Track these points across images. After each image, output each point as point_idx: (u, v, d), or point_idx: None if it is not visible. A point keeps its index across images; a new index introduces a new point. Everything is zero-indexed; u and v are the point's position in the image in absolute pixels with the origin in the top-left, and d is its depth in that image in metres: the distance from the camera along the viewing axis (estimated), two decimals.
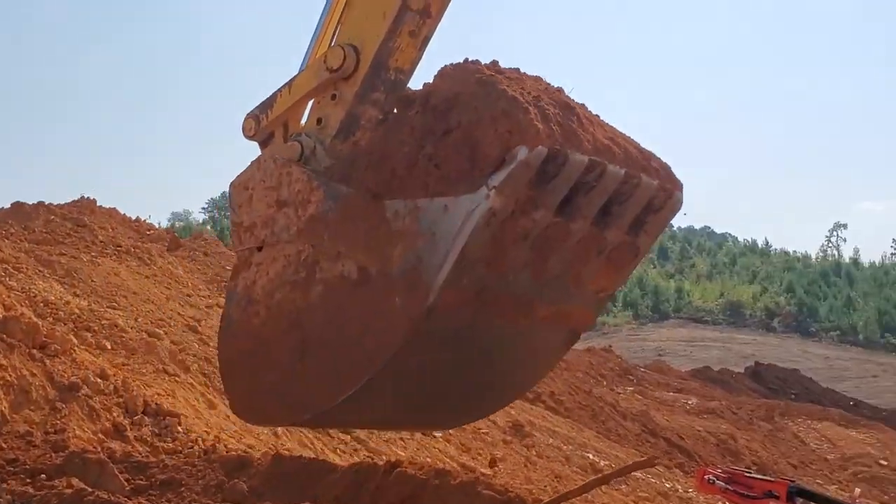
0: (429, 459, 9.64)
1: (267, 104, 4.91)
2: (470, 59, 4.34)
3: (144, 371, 9.32)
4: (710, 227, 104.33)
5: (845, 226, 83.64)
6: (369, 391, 4.12)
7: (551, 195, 3.96)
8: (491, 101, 3.97)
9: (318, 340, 4.26)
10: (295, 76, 4.92)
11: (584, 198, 4.08)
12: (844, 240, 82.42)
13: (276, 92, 4.91)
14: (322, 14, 5.02)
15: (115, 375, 8.48)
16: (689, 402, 24.01)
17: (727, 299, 61.54)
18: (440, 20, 4.78)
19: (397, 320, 3.97)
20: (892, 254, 75.66)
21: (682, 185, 4.46)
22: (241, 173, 4.77)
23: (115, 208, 18.67)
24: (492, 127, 3.89)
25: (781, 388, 31.17)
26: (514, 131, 3.85)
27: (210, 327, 11.54)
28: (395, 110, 4.53)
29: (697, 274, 71.39)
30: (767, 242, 78.84)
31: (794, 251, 77.06)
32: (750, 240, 79.21)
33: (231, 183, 4.79)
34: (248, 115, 4.95)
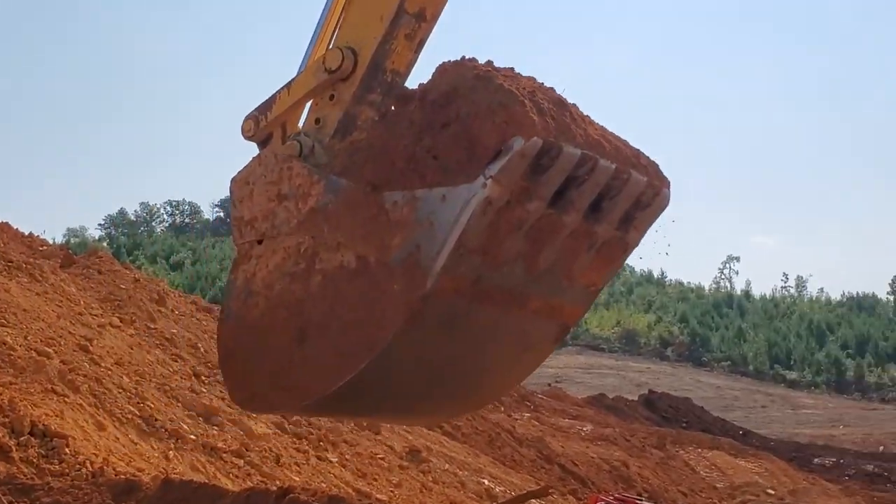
0: (324, 485, 9.55)
1: (266, 105, 5.00)
2: (466, 57, 4.49)
3: (32, 391, 9.03)
4: None
5: (738, 259, 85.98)
6: (368, 377, 4.17)
7: (545, 186, 4.11)
8: (488, 94, 4.11)
9: (318, 328, 4.31)
10: (294, 78, 5.00)
11: (577, 191, 4.23)
12: (737, 272, 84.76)
13: (275, 93, 4.99)
14: (321, 17, 5.18)
15: (1, 395, 8.21)
16: (584, 429, 24.32)
17: (623, 328, 62.62)
18: (435, 24, 4.92)
19: (395, 306, 4.04)
20: (782, 287, 78.09)
21: (669, 182, 4.58)
22: (242, 169, 4.84)
23: (6, 222, 18.11)
24: (489, 119, 4.06)
25: (674, 416, 31.80)
26: (510, 122, 4.02)
27: (102, 347, 11.26)
28: (393, 107, 4.63)
29: (595, 302, 72.37)
30: (663, 273, 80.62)
31: (689, 282, 78.92)
32: (646, 270, 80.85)
33: (232, 179, 4.85)
34: (247, 116, 5.02)
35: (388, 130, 4.42)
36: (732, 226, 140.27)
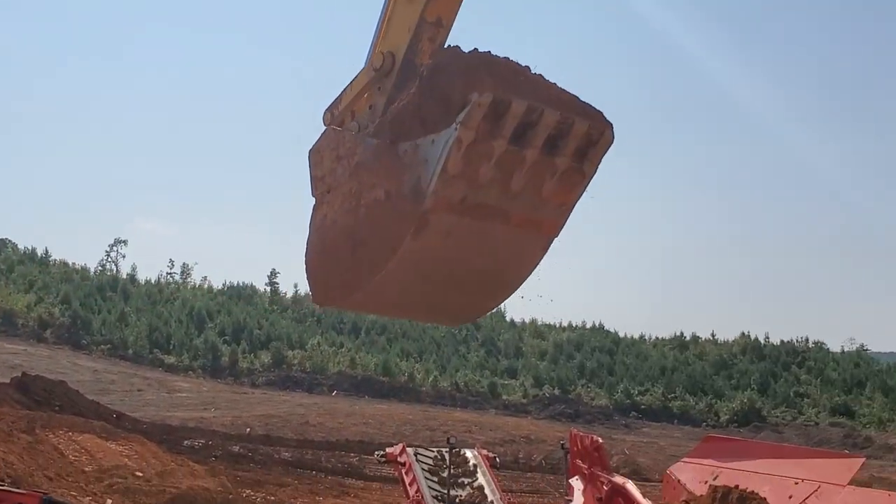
0: None
1: (337, 99, 6.78)
2: (451, 45, 6.16)
3: None
4: None
5: (126, 242, 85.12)
6: (394, 273, 5.79)
7: (503, 128, 5.57)
8: (458, 69, 5.74)
9: (363, 243, 5.94)
10: (354, 77, 6.76)
11: (531, 132, 5.67)
12: (124, 256, 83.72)
13: (343, 90, 6.71)
14: (375, 30, 6.72)
15: None
16: None
17: (0, 308, 58.97)
18: (451, 27, 6.58)
19: (408, 220, 5.66)
20: (168, 273, 79.02)
21: (612, 125, 6.01)
22: (316, 142, 6.51)
23: None
24: (459, 82, 5.65)
25: (47, 399, 30.72)
26: (470, 84, 5.59)
27: None
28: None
29: None
30: (48, 252, 77.16)
31: (74, 263, 76.43)
32: (30, 248, 76.82)
33: (309, 150, 6.51)
34: (326, 109, 6.79)
35: (401, 103, 6.02)
36: (120, 208, 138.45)
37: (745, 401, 54.65)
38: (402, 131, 5.92)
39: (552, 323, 72.81)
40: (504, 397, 54.25)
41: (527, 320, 72.79)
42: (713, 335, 69.06)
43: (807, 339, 67.55)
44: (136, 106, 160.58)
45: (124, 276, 75.45)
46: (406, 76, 6.40)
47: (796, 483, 7.27)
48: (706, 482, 7.48)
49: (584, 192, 6.26)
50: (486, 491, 13.20)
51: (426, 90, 5.88)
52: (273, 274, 74.87)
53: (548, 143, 5.84)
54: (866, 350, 68.94)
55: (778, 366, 62.69)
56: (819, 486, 7.15)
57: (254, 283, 75.99)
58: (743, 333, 68.59)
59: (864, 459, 8.49)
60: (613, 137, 6.10)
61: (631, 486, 6.63)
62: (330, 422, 39.37)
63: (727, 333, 69.37)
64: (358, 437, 35.84)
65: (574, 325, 72.27)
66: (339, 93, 6.79)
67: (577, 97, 6.09)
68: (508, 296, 6.49)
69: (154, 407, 39.82)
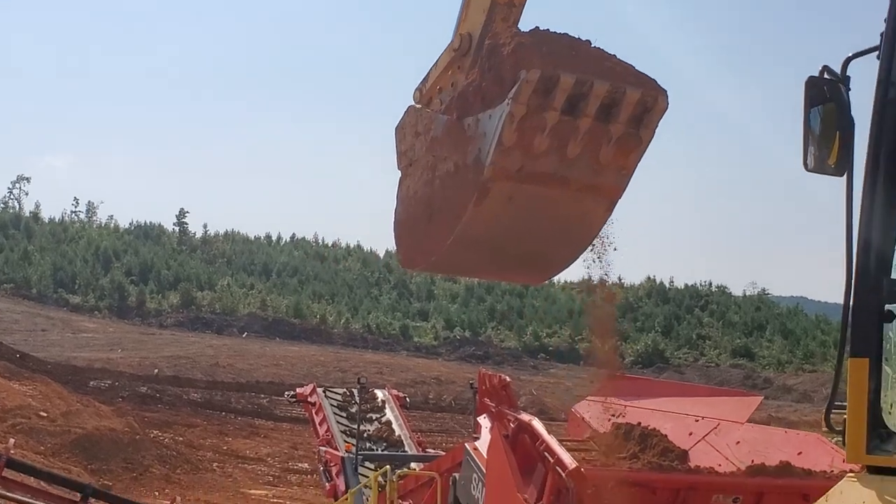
0: None
1: (425, 78, 7.11)
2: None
3: None
4: None
5: (28, 179, 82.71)
6: (463, 238, 6.21)
7: (554, 101, 5.86)
8: (510, 47, 6.03)
9: (437, 211, 6.41)
10: (439, 56, 7.10)
11: (584, 102, 5.93)
12: (27, 193, 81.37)
13: (429, 69, 7.11)
14: (458, 12, 7.10)
15: None
16: None
17: None
18: (523, 6, 6.85)
19: (471, 190, 6.06)
20: (72, 211, 77.15)
21: (665, 92, 6.22)
22: (400, 120, 6.96)
23: None
24: (510, 60, 5.99)
25: None
26: (519, 62, 5.90)
27: None
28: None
29: None
30: None
31: None
32: None
33: (395, 127, 6.98)
34: (415, 89, 7.13)
35: (467, 81, 6.50)
36: (22, 144, 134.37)
37: (650, 343, 55.98)
38: (466, 107, 6.37)
39: None
40: (415, 339, 54.65)
41: None
42: (620, 279, 70.16)
43: (710, 284, 69.36)
44: (37, 38, 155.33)
45: (27, 214, 73.47)
46: (481, 56, 6.89)
47: (696, 420, 7.50)
48: (609, 419, 7.67)
49: (643, 157, 6.52)
50: (394, 426, 13.34)
51: (485, 69, 6.32)
52: (181, 213, 73.63)
53: (601, 112, 6.07)
54: (767, 294, 71.12)
55: (682, 309, 64.26)
56: (718, 424, 7.39)
57: (161, 223, 74.71)
58: (648, 277, 70.08)
59: (761, 398, 8.80)
60: (668, 104, 6.33)
61: (536, 423, 6.76)
62: (240, 363, 39.21)
63: (633, 278, 70.79)
64: (268, 378, 35.80)
65: None
66: (426, 72, 7.31)
67: (633, 67, 6.34)
68: (577, 255, 6.75)
69: (59, 347, 39.11)
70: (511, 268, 7.17)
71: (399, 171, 7.05)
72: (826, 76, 4.10)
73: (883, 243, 3.81)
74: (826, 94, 4.06)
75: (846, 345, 3.88)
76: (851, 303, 3.86)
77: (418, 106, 7.14)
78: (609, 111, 6.11)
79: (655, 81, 6.40)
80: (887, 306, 3.82)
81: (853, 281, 3.83)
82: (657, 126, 6.39)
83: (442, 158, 6.49)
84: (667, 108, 6.40)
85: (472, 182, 6.12)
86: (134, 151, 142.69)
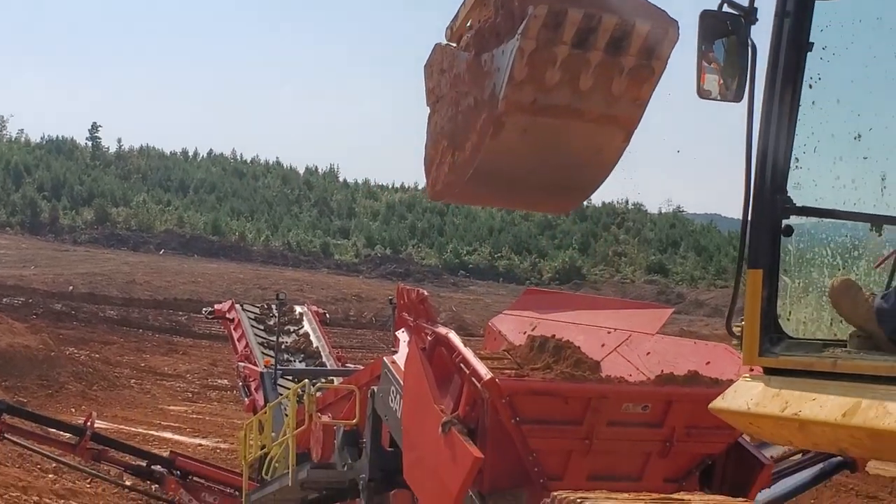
0: None
1: (455, 16, 7.01)
2: None
3: None
4: None
5: None
6: (483, 168, 6.35)
7: (563, 35, 5.98)
8: None
9: (460, 144, 6.51)
10: None
11: (593, 36, 6.02)
12: None
13: (459, 7, 6.97)
14: None
15: None
16: None
17: None
18: None
19: (489, 122, 6.18)
20: None
21: (676, 22, 6.20)
22: (428, 58, 7.07)
23: None
24: (519, 0, 6.04)
25: None
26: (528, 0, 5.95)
27: None
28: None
29: None
30: None
31: None
32: None
33: (424, 65, 7.08)
34: (446, 27, 7.02)
35: (484, 18, 6.53)
36: None
37: (567, 260, 56.82)
38: (483, 44, 6.50)
39: (385, 184, 73.18)
40: (336, 257, 54.61)
41: (360, 181, 72.89)
42: None
43: (626, 201, 70.34)
44: None
45: None
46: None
47: (609, 332, 7.66)
48: (525, 333, 7.79)
49: (657, 87, 6.54)
50: (312, 338, 13.37)
51: (498, 5, 6.41)
52: (94, 128, 71.95)
53: (612, 45, 6.13)
54: (682, 212, 72.46)
55: (599, 226, 65.19)
56: (630, 336, 7.56)
57: (74, 138, 72.81)
58: None
59: (672, 310, 9.01)
60: (678, 34, 6.34)
61: (453, 336, 6.84)
62: (157, 280, 38.80)
63: None
64: (186, 295, 35.52)
65: (406, 186, 72.88)
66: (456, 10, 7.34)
67: (645, 1, 6.33)
68: (597, 184, 6.88)
69: None
70: (533, 198, 7.33)
71: (428, 108, 7.12)
72: (727, 10, 4.33)
73: (778, 164, 4.12)
74: (728, 27, 4.34)
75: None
76: (749, 218, 4.14)
77: (443, 43, 7.13)
78: (619, 44, 6.16)
79: (666, 13, 6.41)
80: (785, 222, 4.11)
81: (751, 198, 4.13)
82: (669, 57, 6.46)
83: (463, 94, 6.65)
84: (677, 38, 6.40)
85: (487, 116, 6.28)
86: (44, 64, 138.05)
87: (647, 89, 6.50)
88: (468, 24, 7.08)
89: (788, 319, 4.18)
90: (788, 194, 4.16)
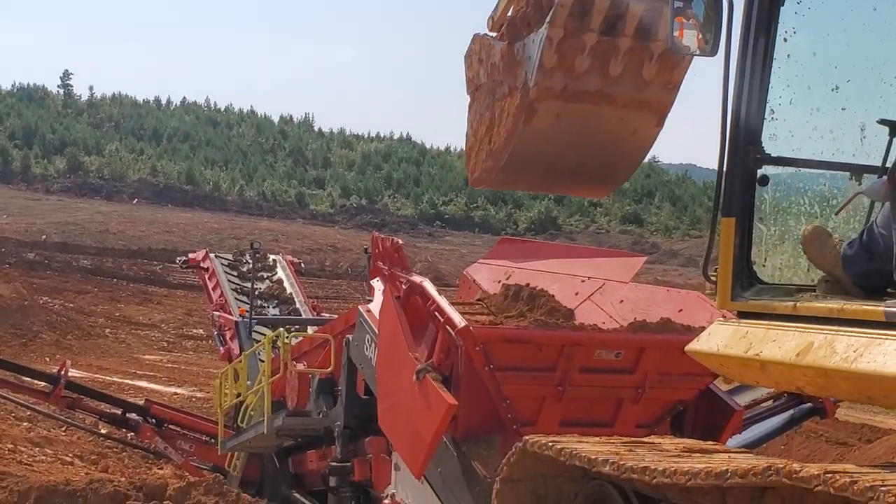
0: None
1: (496, 7, 6.94)
2: None
3: None
4: None
5: None
6: (518, 154, 6.50)
7: (591, 23, 6.07)
8: None
9: (496, 130, 6.64)
10: None
11: (621, 22, 6.11)
12: None
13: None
14: None
15: None
16: None
17: None
18: None
19: (521, 108, 6.33)
20: None
21: None
22: (467, 48, 7.13)
23: None
24: None
25: None
26: None
27: None
28: None
29: None
30: None
31: None
32: None
33: (464, 56, 7.16)
34: (488, 17, 6.99)
35: (517, 8, 6.64)
36: None
37: (542, 210, 56.85)
38: (516, 33, 6.62)
39: (360, 133, 72.73)
40: (311, 207, 54.37)
41: (335, 130, 72.42)
42: None
43: None
44: None
45: None
46: None
47: (582, 281, 7.69)
48: (499, 281, 7.81)
49: (688, 70, 6.68)
50: (286, 284, 13.34)
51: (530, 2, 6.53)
52: (66, 75, 70.87)
53: (640, 31, 6.21)
54: (657, 161, 72.45)
55: None
56: (603, 284, 7.60)
57: (45, 85, 71.77)
58: None
59: (645, 258, 9.07)
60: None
61: (427, 284, 6.86)
62: (131, 230, 38.57)
63: None
64: (161, 245, 35.35)
65: (382, 135, 72.48)
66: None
67: None
68: (633, 167, 7.09)
69: None
70: (570, 183, 7.51)
71: (468, 97, 7.31)
72: None
73: (752, 115, 4.23)
74: None
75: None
76: (724, 168, 4.26)
77: (482, 33, 7.24)
78: (648, 30, 6.23)
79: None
80: (760, 172, 4.24)
81: (726, 149, 4.26)
82: None
83: (499, 83, 6.79)
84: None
85: (520, 103, 6.42)
86: (14, 9, 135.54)
87: (678, 73, 6.53)
88: (508, 14, 7.09)
89: (764, 266, 4.32)
90: (763, 145, 4.25)
